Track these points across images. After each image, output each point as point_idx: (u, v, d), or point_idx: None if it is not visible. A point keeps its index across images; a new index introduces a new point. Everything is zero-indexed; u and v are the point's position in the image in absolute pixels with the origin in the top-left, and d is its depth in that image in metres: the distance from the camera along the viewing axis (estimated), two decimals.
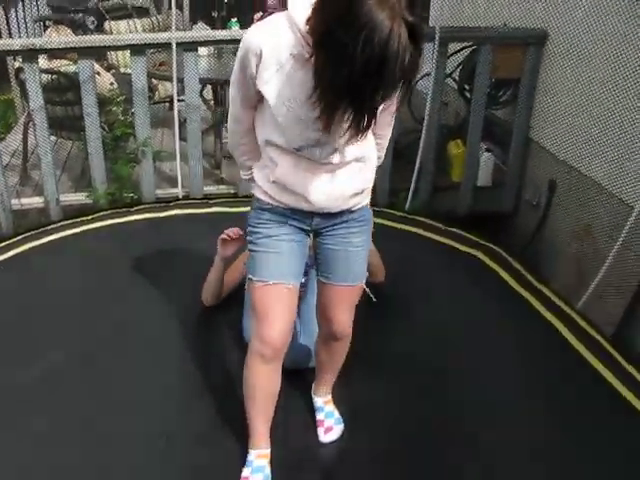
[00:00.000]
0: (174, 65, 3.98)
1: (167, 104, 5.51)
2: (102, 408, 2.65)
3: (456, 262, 3.79)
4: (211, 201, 4.38)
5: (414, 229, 4.07)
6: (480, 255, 3.84)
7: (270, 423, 2.39)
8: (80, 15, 6.51)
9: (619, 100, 3.75)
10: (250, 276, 2.23)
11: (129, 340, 3.04)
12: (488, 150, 4.79)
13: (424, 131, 4.50)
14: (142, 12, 7.37)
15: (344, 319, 2.36)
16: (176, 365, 2.90)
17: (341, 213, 2.18)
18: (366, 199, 2.23)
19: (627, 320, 3.57)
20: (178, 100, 5.57)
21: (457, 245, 3.94)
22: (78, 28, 6.11)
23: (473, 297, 3.44)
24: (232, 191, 4.61)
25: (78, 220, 4.07)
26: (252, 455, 2.40)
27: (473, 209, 4.73)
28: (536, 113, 4.52)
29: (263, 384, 2.29)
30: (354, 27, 1.55)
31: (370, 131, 1.87)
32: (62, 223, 4.07)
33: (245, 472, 2.37)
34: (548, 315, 3.31)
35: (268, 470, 2.37)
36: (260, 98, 1.97)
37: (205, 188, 4.53)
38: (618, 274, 3.57)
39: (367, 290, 2.45)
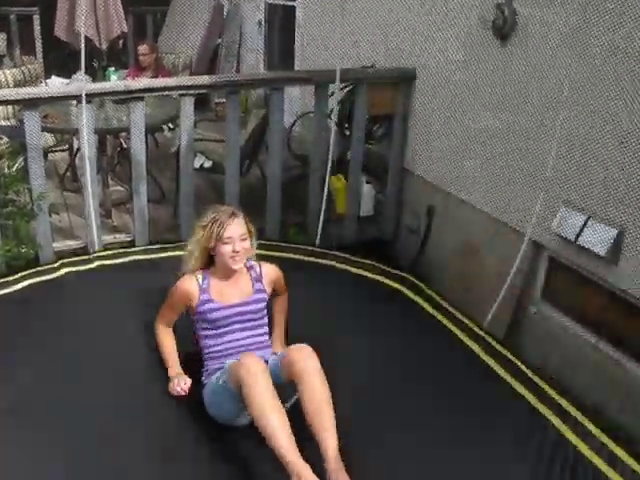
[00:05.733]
0: (84, 117, 4.00)
1: None
2: None
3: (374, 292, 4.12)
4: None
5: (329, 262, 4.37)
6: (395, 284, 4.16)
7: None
8: None
9: (482, 127, 4.21)
10: None
11: None
12: (368, 182, 5.14)
13: (311, 168, 4.78)
14: None
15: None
16: None
17: None
18: None
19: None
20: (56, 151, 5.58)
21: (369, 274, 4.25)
22: None
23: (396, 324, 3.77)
24: (128, 239, 4.66)
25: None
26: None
27: (358, 238, 5.04)
28: (410, 145, 4.92)
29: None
30: None
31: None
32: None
33: None
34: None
35: None
36: None
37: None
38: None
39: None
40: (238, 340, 3.09)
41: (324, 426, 2.65)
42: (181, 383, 3.11)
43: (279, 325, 3.42)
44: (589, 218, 3.49)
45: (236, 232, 3.06)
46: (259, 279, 3.22)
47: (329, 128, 4.76)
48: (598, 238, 3.44)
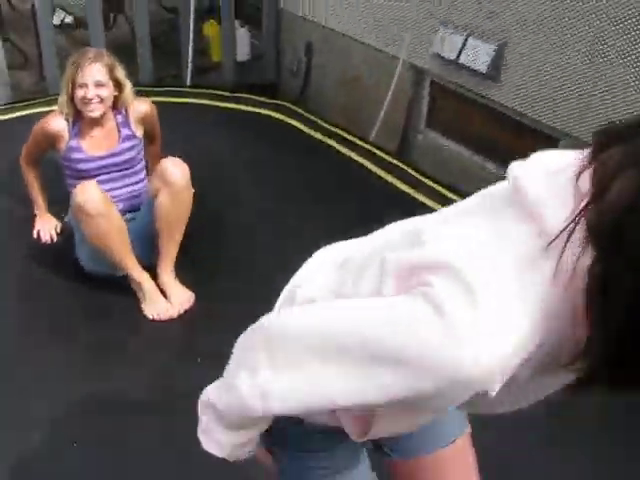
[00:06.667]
0: None
1: None
2: None
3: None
4: None
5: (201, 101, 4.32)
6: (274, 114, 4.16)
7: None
8: None
9: None
10: None
11: None
12: (242, 26, 4.94)
13: (181, 17, 4.55)
14: None
15: None
16: None
17: None
18: None
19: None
20: None
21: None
22: None
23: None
24: None
25: None
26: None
27: (238, 84, 4.89)
28: None
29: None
30: None
31: None
32: None
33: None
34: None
35: None
36: None
37: None
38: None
39: None
40: (107, 192, 2.87)
41: (166, 250, 2.86)
42: (46, 230, 3.20)
43: None
44: (469, 35, 3.49)
45: (90, 77, 2.77)
46: (126, 123, 2.96)
47: None
48: (479, 55, 3.45)
